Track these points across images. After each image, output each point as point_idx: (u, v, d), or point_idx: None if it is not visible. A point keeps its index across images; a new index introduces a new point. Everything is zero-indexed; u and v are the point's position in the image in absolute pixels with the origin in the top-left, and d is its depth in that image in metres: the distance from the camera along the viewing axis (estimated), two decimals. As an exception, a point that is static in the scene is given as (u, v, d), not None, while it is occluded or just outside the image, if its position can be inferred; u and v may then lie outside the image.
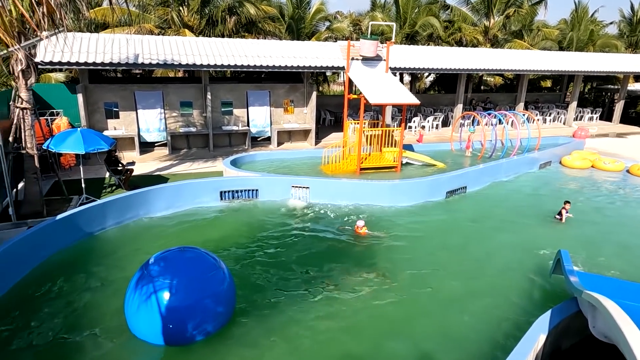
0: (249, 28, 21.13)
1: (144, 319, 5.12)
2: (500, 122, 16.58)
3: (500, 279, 7.20)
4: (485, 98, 24.54)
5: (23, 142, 9.16)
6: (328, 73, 27.51)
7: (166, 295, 5.05)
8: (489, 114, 16.29)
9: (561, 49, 28.12)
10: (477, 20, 26.89)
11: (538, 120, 21.22)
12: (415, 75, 27.71)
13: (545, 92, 30.03)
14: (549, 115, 23.44)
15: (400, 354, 5.41)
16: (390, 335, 5.75)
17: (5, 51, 8.32)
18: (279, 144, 16.50)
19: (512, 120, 18.38)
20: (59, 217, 7.52)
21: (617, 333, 3.99)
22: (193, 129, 15.23)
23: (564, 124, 23.56)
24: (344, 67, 13.03)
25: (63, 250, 7.37)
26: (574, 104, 22.99)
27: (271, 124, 16.41)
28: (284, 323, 5.84)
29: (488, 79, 34.54)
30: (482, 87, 31.79)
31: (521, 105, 21.55)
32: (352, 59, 12.73)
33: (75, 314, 5.84)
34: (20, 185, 9.96)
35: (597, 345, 5.10)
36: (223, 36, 19.62)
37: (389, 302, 6.45)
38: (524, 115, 17.17)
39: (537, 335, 4.96)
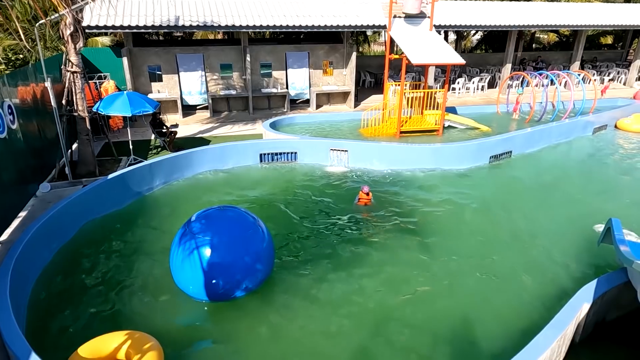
0: (288, -14, 20.55)
1: (187, 273, 5.40)
2: (552, 82, 15.56)
3: (543, 247, 7.00)
4: (537, 57, 22.97)
5: (75, 105, 9.62)
6: (369, 32, 26.60)
7: (207, 252, 5.28)
8: (540, 74, 15.30)
9: (628, 1, 25.52)
10: (532, -30, 24.69)
11: (595, 80, 19.71)
12: (461, 34, 26.22)
13: (605, 50, 27.64)
14: (607, 75, 21.70)
15: (437, 314, 5.46)
16: (428, 296, 5.81)
17: (55, 15, 8.58)
18: (318, 106, 16.36)
19: (566, 81, 17.20)
20: (110, 176, 7.97)
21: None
22: (233, 92, 15.35)
23: (624, 84, 21.78)
24: (385, 25, 12.52)
25: (114, 207, 7.83)
26: (638, 62, 21.08)
27: (310, 86, 16.23)
28: (320, 281, 6.01)
29: (541, 36, 32.13)
30: (533, 45, 29.66)
31: (577, 64, 20.01)
32: (395, 16, 12.20)
33: (126, 265, 6.27)
34: (74, 146, 10.55)
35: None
36: (262, -4, 19.21)
37: (425, 268, 6.46)
38: (579, 75, 16.00)
39: (581, 304, 4.84)
